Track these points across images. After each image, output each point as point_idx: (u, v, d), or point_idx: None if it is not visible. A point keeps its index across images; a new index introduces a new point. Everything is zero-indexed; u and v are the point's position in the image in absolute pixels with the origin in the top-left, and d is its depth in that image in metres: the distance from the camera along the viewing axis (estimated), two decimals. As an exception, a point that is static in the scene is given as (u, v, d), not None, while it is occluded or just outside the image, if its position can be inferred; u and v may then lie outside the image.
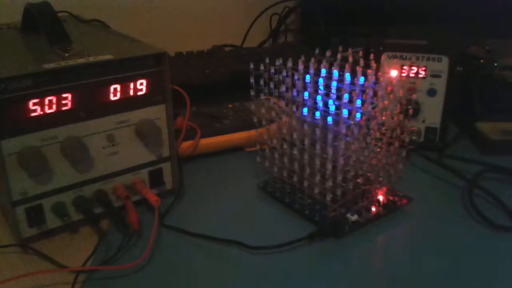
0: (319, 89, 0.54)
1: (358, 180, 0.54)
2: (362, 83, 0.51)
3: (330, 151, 0.51)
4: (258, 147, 0.61)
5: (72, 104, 0.49)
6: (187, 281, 0.46)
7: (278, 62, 0.56)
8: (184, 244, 0.51)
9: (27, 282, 0.46)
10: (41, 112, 0.47)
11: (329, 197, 0.53)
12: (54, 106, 0.48)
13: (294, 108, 0.56)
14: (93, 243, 0.50)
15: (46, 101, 0.47)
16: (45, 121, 0.48)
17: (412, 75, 0.69)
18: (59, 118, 0.49)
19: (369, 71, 0.52)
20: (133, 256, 0.49)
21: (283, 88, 0.56)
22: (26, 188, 0.49)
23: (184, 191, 0.61)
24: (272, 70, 0.56)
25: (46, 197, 0.50)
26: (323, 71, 0.54)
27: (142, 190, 0.55)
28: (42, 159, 0.48)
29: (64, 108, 0.49)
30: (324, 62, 0.54)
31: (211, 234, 0.51)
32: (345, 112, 0.50)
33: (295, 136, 0.56)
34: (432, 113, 0.69)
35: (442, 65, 0.67)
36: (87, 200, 0.52)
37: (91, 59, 0.50)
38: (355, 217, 0.53)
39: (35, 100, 0.47)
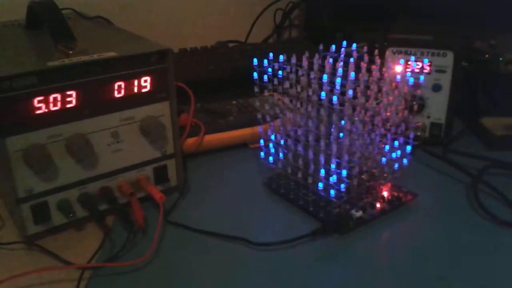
0: (323, 85, 0.54)
1: (363, 176, 0.54)
2: (366, 78, 0.51)
3: (334, 147, 0.51)
4: (262, 143, 0.61)
5: (76, 101, 0.49)
6: (191, 277, 0.47)
7: (282, 58, 0.56)
8: (188, 241, 0.51)
9: (33, 279, 0.46)
10: (46, 110, 0.48)
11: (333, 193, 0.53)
12: (58, 104, 0.48)
13: (298, 104, 0.56)
14: (98, 240, 0.50)
15: (51, 99, 0.47)
16: (50, 118, 0.48)
17: (417, 70, 0.69)
18: (63, 115, 0.49)
19: (373, 66, 0.52)
20: (138, 252, 0.49)
21: (287, 84, 0.56)
22: (31, 185, 0.49)
23: (188, 187, 0.61)
24: (276, 66, 0.56)
25: (52, 194, 0.50)
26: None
27: (147, 187, 0.55)
28: (47, 157, 0.48)
29: (68, 106, 0.49)
30: (328, 58, 0.54)
31: (216, 230, 0.52)
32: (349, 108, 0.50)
33: (299, 132, 0.56)
34: (437, 108, 0.69)
35: (447, 60, 0.67)
36: (92, 197, 0.53)
37: (95, 56, 0.50)
38: (359, 213, 0.53)
39: (40, 98, 0.47)
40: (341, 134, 0.51)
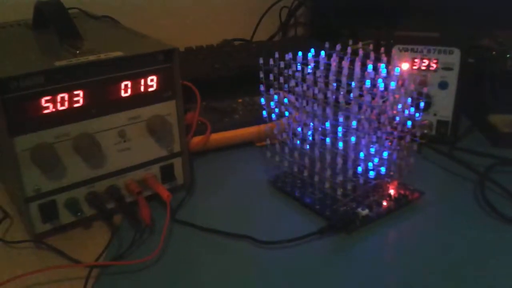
0: (329, 83, 0.54)
1: (369, 175, 0.54)
2: (372, 76, 0.51)
3: (340, 145, 0.51)
4: (268, 141, 0.61)
5: (83, 101, 0.49)
6: (198, 275, 0.47)
7: (288, 56, 0.56)
8: (195, 239, 0.51)
9: (41, 277, 0.46)
10: (53, 109, 0.48)
11: (339, 191, 0.53)
12: (66, 103, 0.48)
13: (304, 103, 0.56)
14: (106, 238, 0.51)
15: (58, 98, 0.48)
16: (57, 118, 0.48)
17: (423, 68, 0.68)
18: (71, 115, 0.49)
19: (379, 64, 0.52)
20: (145, 250, 0.49)
21: (292, 83, 0.56)
22: (39, 184, 0.49)
23: (195, 186, 0.61)
24: (282, 64, 0.56)
25: (59, 193, 0.51)
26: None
27: (154, 185, 0.55)
28: (55, 156, 0.49)
29: (76, 105, 0.49)
30: (334, 56, 0.54)
31: (222, 228, 0.52)
32: (355, 107, 0.50)
33: (305, 130, 0.56)
34: (444, 106, 0.69)
35: (454, 57, 0.67)
36: (99, 196, 0.53)
37: (102, 56, 0.50)
38: (365, 212, 0.52)
39: (47, 97, 0.47)
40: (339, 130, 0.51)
